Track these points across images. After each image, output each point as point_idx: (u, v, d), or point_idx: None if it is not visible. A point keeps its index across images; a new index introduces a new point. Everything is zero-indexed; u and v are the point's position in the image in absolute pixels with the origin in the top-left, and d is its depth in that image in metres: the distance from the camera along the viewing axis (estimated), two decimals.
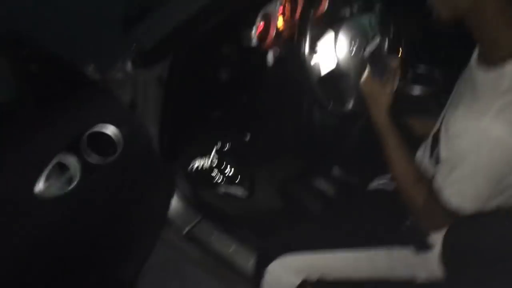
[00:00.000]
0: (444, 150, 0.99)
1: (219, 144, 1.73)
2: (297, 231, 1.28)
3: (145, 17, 1.23)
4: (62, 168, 0.91)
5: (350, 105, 1.41)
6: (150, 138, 1.25)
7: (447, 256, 1.02)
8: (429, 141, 1.16)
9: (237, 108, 1.66)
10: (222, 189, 1.74)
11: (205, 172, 1.73)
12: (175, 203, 1.61)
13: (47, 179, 0.87)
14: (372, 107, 1.18)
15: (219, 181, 1.73)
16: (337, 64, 1.35)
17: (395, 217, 1.19)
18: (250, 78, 1.48)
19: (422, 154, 1.19)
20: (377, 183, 1.39)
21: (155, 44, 1.22)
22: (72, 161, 0.91)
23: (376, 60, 1.14)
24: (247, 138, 1.69)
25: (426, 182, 1.04)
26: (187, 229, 1.61)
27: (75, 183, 0.92)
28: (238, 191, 1.75)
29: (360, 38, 1.36)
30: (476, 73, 0.94)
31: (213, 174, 1.73)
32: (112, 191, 1.05)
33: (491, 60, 0.89)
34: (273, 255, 1.18)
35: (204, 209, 1.63)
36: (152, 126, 1.49)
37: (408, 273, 1.18)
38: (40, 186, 0.86)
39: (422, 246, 1.14)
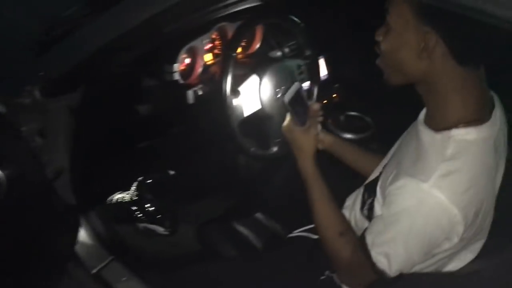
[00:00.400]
0: (380, 206, 0.97)
1: (140, 179, 1.65)
2: (205, 273, 1.21)
3: (56, 44, 1.15)
4: None
5: (274, 149, 1.37)
6: (46, 177, 1.14)
7: None
8: (361, 190, 1.13)
9: (161, 143, 1.59)
10: (142, 226, 1.65)
11: (124, 207, 1.64)
12: (86, 240, 1.50)
13: None
14: (296, 154, 1.14)
15: (139, 217, 1.64)
16: (261, 107, 1.32)
17: (314, 267, 1.15)
18: (172, 114, 1.42)
19: (353, 203, 1.16)
20: (300, 230, 1.35)
21: (64, 73, 1.14)
22: None
23: (297, 105, 1.10)
24: (170, 174, 1.61)
25: (352, 236, 1.01)
26: (95, 269, 1.49)
27: None
28: (159, 228, 1.66)
29: (286, 81, 1.34)
30: (423, 132, 0.93)
31: (133, 209, 1.64)
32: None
33: (438, 124, 0.89)
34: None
35: (118, 249, 1.52)
36: (63, 158, 1.40)
37: None
38: None
39: None
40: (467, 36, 0.78)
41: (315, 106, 1.17)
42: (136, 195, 1.64)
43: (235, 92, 1.23)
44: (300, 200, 1.10)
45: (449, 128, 0.87)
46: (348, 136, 1.74)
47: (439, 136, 0.88)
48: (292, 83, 1.18)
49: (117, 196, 1.65)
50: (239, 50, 1.48)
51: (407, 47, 0.85)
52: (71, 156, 1.40)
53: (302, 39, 1.43)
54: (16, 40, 1.22)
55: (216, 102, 1.22)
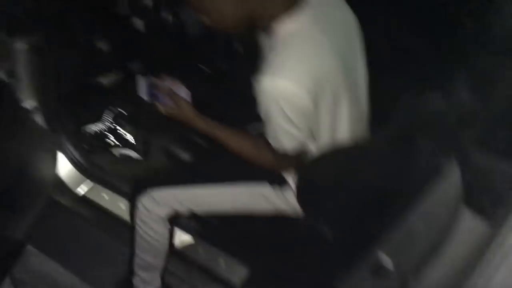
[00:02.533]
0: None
1: (114, 109, 1.81)
2: (166, 172, 1.40)
3: None
4: None
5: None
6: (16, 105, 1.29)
7: (300, 194, 1.21)
8: None
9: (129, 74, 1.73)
10: (118, 152, 1.83)
11: (100, 136, 1.81)
12: (66, 168, 1.68)
13: None
14: (188, 124, 1.30)
15: (115, 144, 1.81)
16: None
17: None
18: (130, 45, 1.57)
19: None
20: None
21: (26, 12, 1.27)
22: None
23: (153, 92, 1.26)
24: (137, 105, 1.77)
25: (260, 140, 1.18)
26: (83, 192, 1.69)
27: None
28: (133, 153, 1.84)
29: None
30: (263, 44, 1.12)
31: (110, 137, 1.82)
32: None
33: (263, 25, 1.06)
34: (144, 191, 1.32)
35: (97, 175, 1.71)
36: (33, 94, 1.55)
37: (270, 207, 1.35)
38: None
39: (275, 181, 1.31)
40: None
41: (160, 81, 1.31)
42: (109, 123, 1.81)
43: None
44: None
45: (271, 29, 1.04)
46: None
47: (270, 41, 1.06)
48: None
49: (93, 127, 1.82)
50: None
51: None
52: (42, 92, 1.56)
53: None
54: None
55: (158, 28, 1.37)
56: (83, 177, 1.73)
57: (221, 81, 1.61)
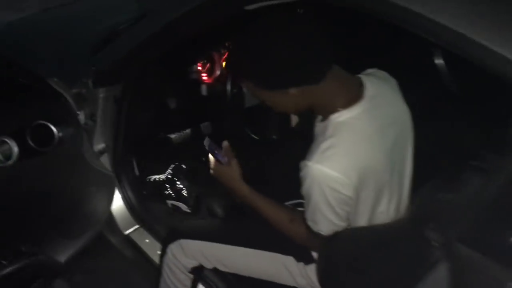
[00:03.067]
0: None
1: (176, 163, 1.98)
2: (201, 223, 1.48)
3: (106, 45, 1.53)
4: (3, 148, 1.17)
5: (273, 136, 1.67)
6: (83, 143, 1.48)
7: (321, 272, 1.23)
8: None
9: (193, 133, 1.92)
10: (170, 203, 1.97)
11: (158, 185, 1.97)
12: (120, 208, 1.84)
13: None
14: (229, 186, 1.35)
15: (168, 193, 1.96)
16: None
17: None
18: (191, 105, 1.75)
19: None
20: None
21: (110, 67, 1.51)
22: (12, 143, 1.17)
23: (214, 149, 1.32)
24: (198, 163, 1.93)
25: (297, 216, 1.24)
26: (127, 231, 1.83)
27: (12, 160, 1.18)
28: (183, 206, 1.97)
29: None
30: (316, 126, 1.20)
31: (166, 186, 1.97)
32: (43, 174, 1.30)
33: (324, 115, 1.15)
34: (175, 238, 1.41)
35: (146, 219, 1.85)
36: (108, 138, 1.76)
37: (290, 279, 1.38)
38: None
39: (301, 256, 1.35)
40: None
41: (225, 143, 1.39)
42: (170, 175, 1.97)
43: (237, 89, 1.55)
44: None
45: (327, 115, 1.11)
46: None
47: (322, 124, 1.14)
48: None
49: (154, 177, 1.99)
50: None
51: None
52: (115, 137, 1.77)
53: None
54: (77, 43, 1.62)
55: (222, 96, 1.54)
56: (130, 219, 1.87)
57: (268, 150, 1.72)
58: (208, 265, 1.42)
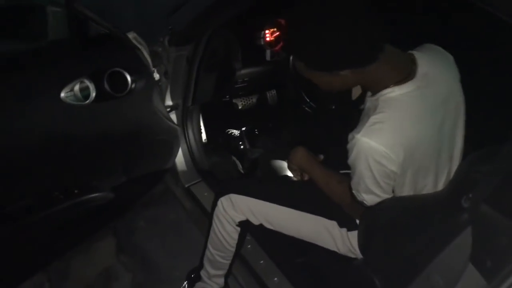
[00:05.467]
0: None
1: (248, 126, 2.11)
2: (252, 182, 1.57)
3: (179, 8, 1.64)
4: (83, 88, 1.33)
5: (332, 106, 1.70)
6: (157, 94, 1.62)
7: (361, 239, 1.27)
8: None
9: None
10: (233, 157, 2.09)
11: (231, 139, 2.11)
12: (184, 160, 1.98)
13: (70, 90, 1.29)
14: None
15: (236, 150, 2.08)
16: None
17: None
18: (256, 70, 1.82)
19: None
20: None
21: (184, 28, 1.62)
22: (91, 85, 1.32)
23: None
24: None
25: (345, 180, 1.29)
26: (188, 184, 1.97)
27: (89, 101, 1.33)
28: (239, 165, 2.08)
29: None
30: (366, 101, 1.21)
31: (236, 143, 2.10)
32: (116, 118, 1.45)
33: (373, 92, 1.16)
34: (226, 192, 1.49)
35: (207, 172, 1.98)
36: (179, 95, 1.90)
37: (331, 243, 1.42)
38: (65, 92, 1.28)
39: (345, 222, 1.39)
40: None
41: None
42: (242, 134, 2.09)
43: None
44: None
45: (378, 91, 1.12)
46: None
47: (373, 99, 1.14)
48: None
49: (232, 130, 2.15)
50: None
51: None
52: (185, 95, 1.90)
53: None
54: (156, 4, 1.74)
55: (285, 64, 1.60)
56: (193, 173, 2.01)
57: (326, 119, 1.76)
58: (255, 221, 1.50)
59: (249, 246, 1.73)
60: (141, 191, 1.79)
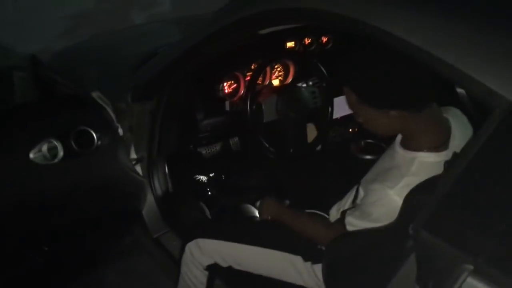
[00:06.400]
0: (360, 199, 1.30)
1: (215, 173, 2.17)
2: (218, 225, 1.63)
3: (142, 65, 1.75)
4: (51, 147, 1.38)
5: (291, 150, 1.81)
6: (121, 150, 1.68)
7: (325, 271, 1.32)
8: (355, 188, 1.43)
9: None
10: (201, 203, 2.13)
11: (198, 185, 2.16)
12: (151, 209, 2.02)
13: (38, 151, 1.35)
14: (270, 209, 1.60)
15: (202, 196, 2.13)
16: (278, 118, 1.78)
17: None
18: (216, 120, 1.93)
19: (346, 199, 1.48)
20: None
21: (146, 83, 1.72)
22: (58, 144, 1.38)
23: None
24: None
25: (327, 221, 1.40)
26: (157, 234, 2.01)
27: (57, 159, 1.39)
28: (207, 210, 2.12)
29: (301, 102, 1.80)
30: (398, 151, 1.24)
31: (203, 189, 2.15)
32: (83, 174, 1.50)
33: (409, 146, 1.20)
34: (193, 237, 1.54)
35: (174, 221, 2.02)
36: (143, 148, 1.96)
37: (298, 278, 1.48)
38: (33, 153, 1.34)
39: (309, 256, 1.46)
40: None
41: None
42: (209, 180, 2.16)
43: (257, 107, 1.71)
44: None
45: (416, 150, 1.17)
46: (368, 157, 2.10)
47: (408, 155, 1.19)
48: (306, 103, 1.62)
49: (199, 176, 2.18)
50: (277, 81, 2.00)
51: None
52: (149, 148, 1.96)
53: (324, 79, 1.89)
54: (119, 64, 1.85)
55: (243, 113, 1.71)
56: (161, 224, 2.04)
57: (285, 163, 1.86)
58: (223, 263, 1.55)
59: None
60: (110, 243, 1.81)
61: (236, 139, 2.21)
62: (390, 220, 1.10)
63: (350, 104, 1.23)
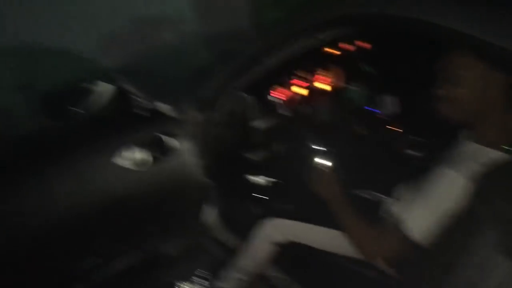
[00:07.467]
0: (415, 194, 1.23)
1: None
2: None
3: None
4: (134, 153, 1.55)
5: None
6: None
7: None
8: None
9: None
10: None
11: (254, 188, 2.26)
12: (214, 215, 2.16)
13: (120, 156, 1.53)
14: (327, 191, 1.43)
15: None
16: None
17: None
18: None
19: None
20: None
21: (209, 96, 1.87)
22: (141, 151, 1.54)
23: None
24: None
25: (389, 230, 1.25)
26: (218, 236, 2.14)
27: (141, 164, 1.54)
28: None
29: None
30: (466, 144, 1.23)
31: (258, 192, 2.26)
32: (162, 176, 1.66)
33: (481, 140, 1.19)
34: (269, 215, 1.70)
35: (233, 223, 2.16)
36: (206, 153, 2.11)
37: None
38: (116, 158, 1.51)
39: None
40: None
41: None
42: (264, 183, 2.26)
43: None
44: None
45: (486, 144, 1.17)
46: (413, 153, 2.19)
47: (482, 149, 1.16)
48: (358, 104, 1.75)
49: (255, 178, 2.28)
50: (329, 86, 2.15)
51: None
52: (211, 153, 2.11)
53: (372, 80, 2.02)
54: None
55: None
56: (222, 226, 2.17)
57: None
58: (296, 241, 1.66)
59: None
60: (176, 246, 1.95)
61: (291, 143, 2.33)
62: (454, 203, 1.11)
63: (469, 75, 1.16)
